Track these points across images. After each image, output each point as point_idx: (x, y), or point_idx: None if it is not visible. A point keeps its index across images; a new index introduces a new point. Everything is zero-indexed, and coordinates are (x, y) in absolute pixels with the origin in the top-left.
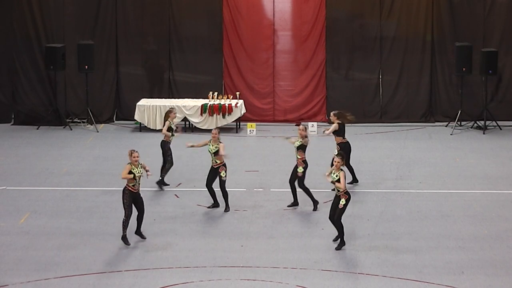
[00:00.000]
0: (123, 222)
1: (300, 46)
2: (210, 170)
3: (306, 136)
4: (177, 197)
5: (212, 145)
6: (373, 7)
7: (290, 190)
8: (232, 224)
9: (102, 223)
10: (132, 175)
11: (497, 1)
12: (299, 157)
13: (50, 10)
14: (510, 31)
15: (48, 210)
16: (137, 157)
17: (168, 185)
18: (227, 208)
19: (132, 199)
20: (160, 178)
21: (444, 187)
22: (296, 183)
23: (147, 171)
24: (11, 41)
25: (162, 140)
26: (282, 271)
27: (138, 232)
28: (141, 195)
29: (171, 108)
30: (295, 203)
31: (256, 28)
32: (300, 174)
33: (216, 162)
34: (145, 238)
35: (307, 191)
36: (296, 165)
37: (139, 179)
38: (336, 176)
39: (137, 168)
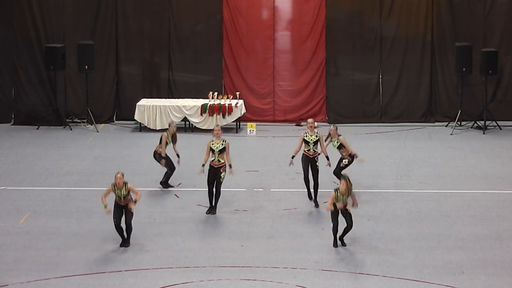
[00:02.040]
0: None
1: (300, 46)
2: (210, 170)
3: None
4: (177, 197)
5: (217, 143)
6: (373, 7)
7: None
8: (232, 224)
9: (102, 223)
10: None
11: (497, 1)
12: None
13: (50, 10)
14: (510, 31)
15: (48, 210)
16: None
17: (173, 186)
18: (214, 211)
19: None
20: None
21: (444, 187)
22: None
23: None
24: (11, 41)
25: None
26: (282, 271)
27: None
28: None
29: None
30: None
31: (256, 28)
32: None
33: (219, 161)
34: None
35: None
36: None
37: None
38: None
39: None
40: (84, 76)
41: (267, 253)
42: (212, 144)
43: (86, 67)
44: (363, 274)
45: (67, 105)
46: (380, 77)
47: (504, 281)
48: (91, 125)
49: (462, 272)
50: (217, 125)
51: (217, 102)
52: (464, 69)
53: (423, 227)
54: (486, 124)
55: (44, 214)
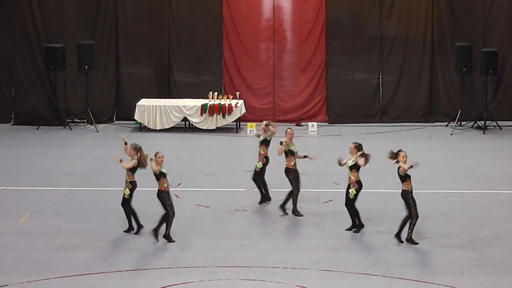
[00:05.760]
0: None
1: (300, 46)
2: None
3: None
4: (177, 197)
5: (293, 145)
6: (373, 7)
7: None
8: (232, 224)
9: (102, 223)
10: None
11: (497, 1)
12: (261, 152)
13: (50, 10)
14: (510, 31)
15: (48, 210)
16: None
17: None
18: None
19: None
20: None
21: (444, 187)
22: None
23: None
24: (11, 41)
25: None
26: (282, 271)
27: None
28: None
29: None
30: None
31: (256, 28)
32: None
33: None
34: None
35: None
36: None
37: None
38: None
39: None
40: (84, 76)
41: (267, 253)
42: (291, 147)
43: (86, 67)
44: (363, 274)
45: (67, 105)
46: (380, 77)
47: (504, 281)
48: (91, 125)
49: (462, 272)
50: (289, 128)
51: (217, 102)
52: (464, 69)
53: (424, 227)
54: (486, 124)
55: (44, 214)
